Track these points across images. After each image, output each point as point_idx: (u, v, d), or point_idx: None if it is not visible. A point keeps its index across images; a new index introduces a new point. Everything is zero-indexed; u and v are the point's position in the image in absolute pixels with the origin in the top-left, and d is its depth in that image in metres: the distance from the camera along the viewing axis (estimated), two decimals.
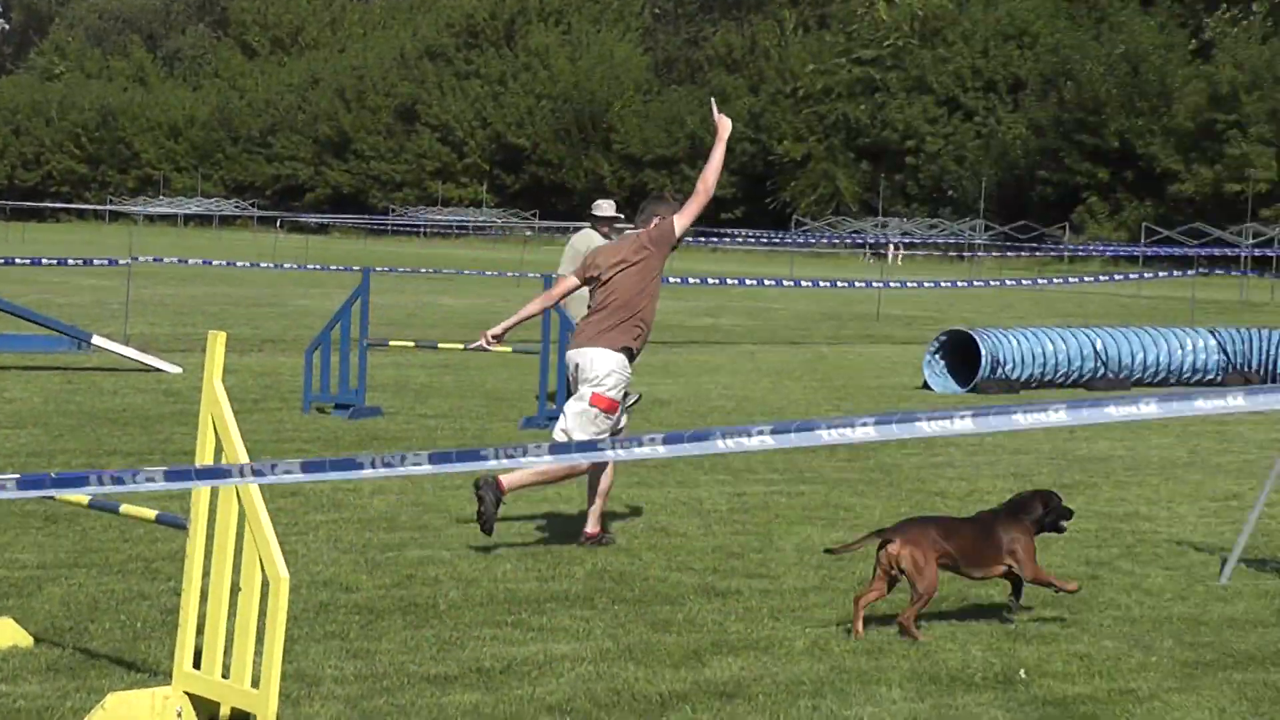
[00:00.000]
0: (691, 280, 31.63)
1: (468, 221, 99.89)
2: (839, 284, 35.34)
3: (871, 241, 68.66)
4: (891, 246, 69.45)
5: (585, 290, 11.39)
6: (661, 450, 5.98)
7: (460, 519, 11.50)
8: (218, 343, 6.91)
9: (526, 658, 8.17)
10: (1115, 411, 7.99)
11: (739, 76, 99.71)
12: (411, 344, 21.28)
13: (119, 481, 5.53)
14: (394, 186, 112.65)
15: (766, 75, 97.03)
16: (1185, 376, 22.19)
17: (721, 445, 7.21)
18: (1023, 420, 7.73)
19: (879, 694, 7.78)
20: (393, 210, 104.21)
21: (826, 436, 7.54)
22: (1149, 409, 7.08)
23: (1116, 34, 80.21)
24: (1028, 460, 15.20)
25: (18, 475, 5.77)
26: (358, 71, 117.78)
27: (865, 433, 7.42)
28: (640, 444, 5.73)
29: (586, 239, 17.20)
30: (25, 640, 8.02)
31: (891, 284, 34.72)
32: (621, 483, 13.13)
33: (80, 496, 7.41)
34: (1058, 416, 7.55)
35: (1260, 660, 8.51)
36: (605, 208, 17.45)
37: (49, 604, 8.85)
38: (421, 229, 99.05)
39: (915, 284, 36.42)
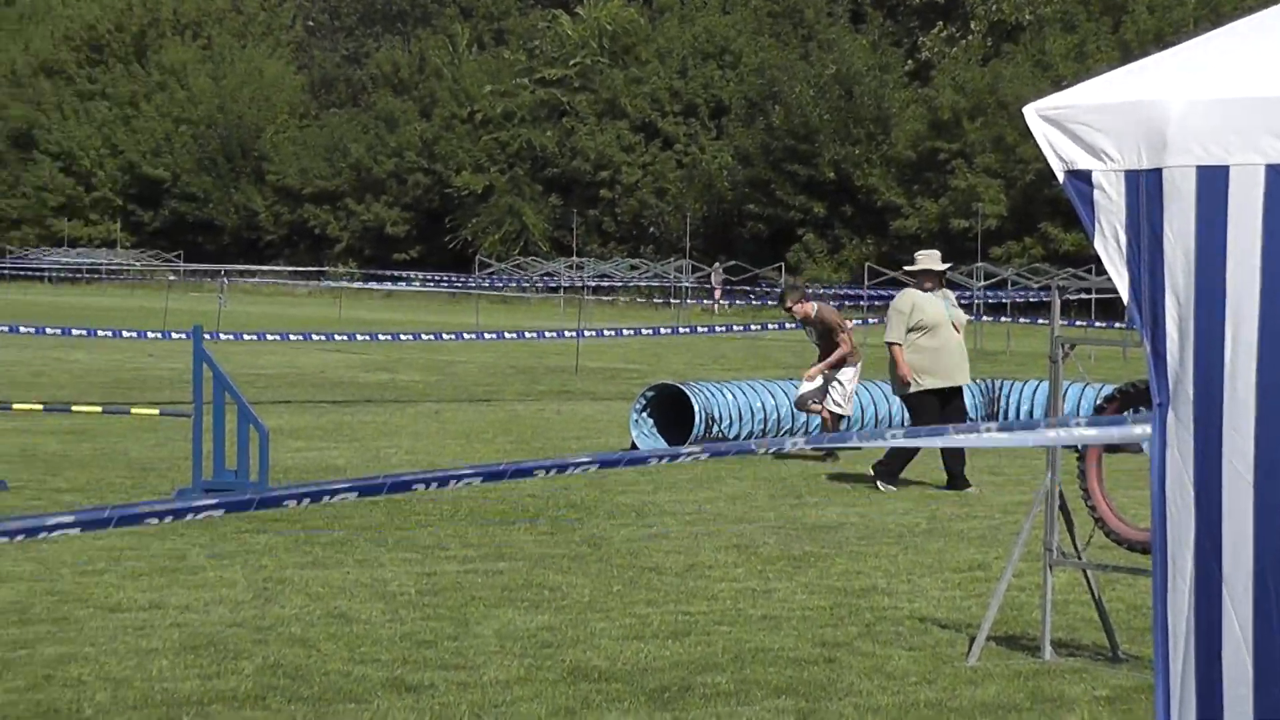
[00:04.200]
0: (360, 336, 31.45)
1: (100, 264, 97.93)
2: (527, 335, 35.45)
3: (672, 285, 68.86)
4: (718, 291, 69.54)
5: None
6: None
7: (107, 607, 11.22)
8: None
9: None
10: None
11: (407, 99, 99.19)
12: (39, 407, 20.77)
13: None
14: (9, 224, 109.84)
15: (439, 97, 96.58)
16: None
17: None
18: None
19: None
20: (9, 252, 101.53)
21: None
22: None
23: (827, 53, 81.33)
24: (752, 530, 15.32)
25: None
26: None
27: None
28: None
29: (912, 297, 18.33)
30: None
31: (586, 333, 34.91)
32: (293, 563, 12.97)
33: None
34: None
35: None
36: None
37: None
38: (46, 274, 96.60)
39: (613, 332, 36.66)
